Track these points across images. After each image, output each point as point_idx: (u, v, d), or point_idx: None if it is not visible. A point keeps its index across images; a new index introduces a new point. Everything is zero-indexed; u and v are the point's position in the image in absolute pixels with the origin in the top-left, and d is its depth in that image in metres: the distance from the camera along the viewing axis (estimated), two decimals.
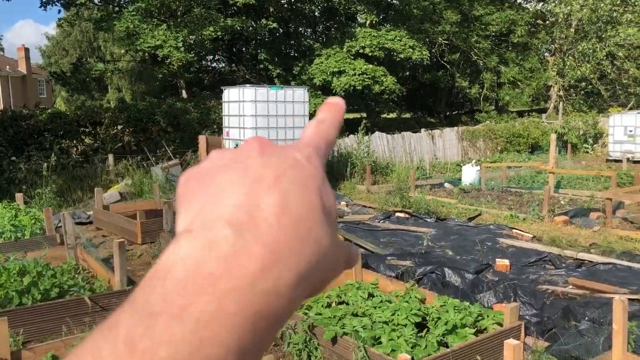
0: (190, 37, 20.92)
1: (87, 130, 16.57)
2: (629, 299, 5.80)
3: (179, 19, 20.48)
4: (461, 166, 17.29)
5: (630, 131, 20.19)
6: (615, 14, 28.37)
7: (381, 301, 5.27)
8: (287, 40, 26.50)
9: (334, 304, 5.49)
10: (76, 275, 6.48)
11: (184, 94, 23.07)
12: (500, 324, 4.63)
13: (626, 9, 28.31)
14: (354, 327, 4.58)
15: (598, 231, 9.47)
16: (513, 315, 4.46)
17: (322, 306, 5.33)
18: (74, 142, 15.93)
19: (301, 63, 23.80)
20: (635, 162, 19.66)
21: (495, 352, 4.22)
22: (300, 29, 28.38)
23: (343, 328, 4.55)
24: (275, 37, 26.05)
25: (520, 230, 9.31)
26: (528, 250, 7.97)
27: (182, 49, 19.01)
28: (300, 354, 4.67)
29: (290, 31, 27.06)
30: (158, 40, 18.91)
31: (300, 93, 13.74)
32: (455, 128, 22.75)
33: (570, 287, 6.48)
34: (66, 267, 6.58)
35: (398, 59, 23.45)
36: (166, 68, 21.28)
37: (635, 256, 7.62)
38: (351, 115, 31.17)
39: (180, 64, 20.00)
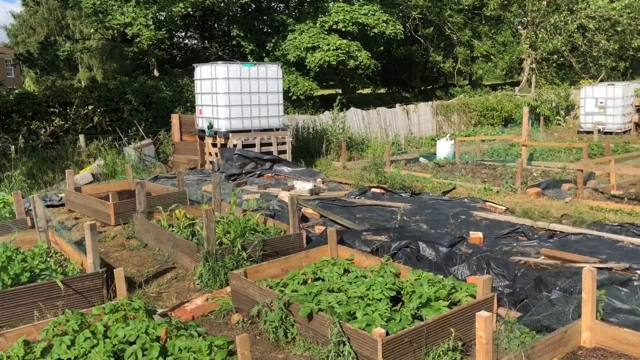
0: (160, 13, 20.46)
1: (56, 110, 16.19)
2: (598, 268, 5.93)
3: None
4: (436, 140, 17.39)
5: (601, 103, 20.48)
6: None
7: (356, 276, 5.30)
8: (260, 15, 26.10)
9: (309, 281, 5.50)
10: (48, 259, 6.38)
11: (156, 72, 22.65)
12: (474, 296, 4.69)
13: None
14: (329, 303, 4.59)
15: (569, 202, 9.64)
16: (486, 287, 4.52)
17: (298, 283, 5.34)
18: (43, 123, 15.56)
19: (274, 39, 23.50)
20: (605, 133, 19.99)
21: (469, 324, 4.29)
22: (273, 4, 27.98)
23: (319, 304, 4.57)
24: (248, 12, 25.65)
25: (494, 203, 9.41)
26: (501, 223, 8.07)
27: (152, 27, 18.59)
28: (276, 331, 4.68)
29: (263, 6, 26.65)
30: (127, 17, 18.45)
31: (273, 70, 13.58)
32: (430, 103, 22.81)
33: (542, 257, 6.59)
34: (37, 251, 6.47)
35: (372, 34, 23.31)
36: (136, 47, 20.82)
37: (605, 226, 7.77)
38: (326, 92, 31.02)
39: (150, 42, 19.58)
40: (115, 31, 21.29)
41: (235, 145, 12.89)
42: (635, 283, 5.47)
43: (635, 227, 7.58)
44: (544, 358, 3.69)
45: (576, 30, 29.25)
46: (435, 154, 15.98)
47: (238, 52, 24.85)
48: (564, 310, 4.50)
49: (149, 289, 6.10)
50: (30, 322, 4.79)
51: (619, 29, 28.75)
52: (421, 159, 15.77)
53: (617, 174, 10.95)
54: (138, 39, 19.06)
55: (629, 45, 29.37)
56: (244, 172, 12.32)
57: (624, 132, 20.46)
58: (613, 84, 20.98)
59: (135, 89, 17.37)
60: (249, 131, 13.25)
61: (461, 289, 4.88)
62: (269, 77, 13.44)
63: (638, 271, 5.96)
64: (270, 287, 5.25)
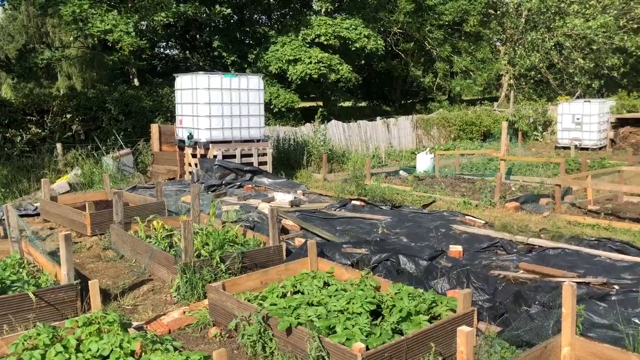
0: (142, 22, 20.30)
1: (34, 118, 15.92)
2: (577, 283, 5.96)
3: (129, 4, 19.85)
4: (416, 154, 17.49)
5: (578, 119, 20.82)
6: (562, 5, 29.15)
7: (336, 290, 5.25)
8: (242, 27, 26.07)
9: (289, 294, 5.43)
10: (20, 270, 6.21)
11: (136, 82, 22.43)
12: (454, 310, 4.67)
13: (573, 0, 29.13)
14: (308, 316, 4.53)
15: (547, 216, 9.73)
16: (466, 302, 4.50)
17: (277, 296, 5.27)
18: (20, 131, 15.28)
19: (256, 50, 23.46)
20: (582, 149, 20.32)
21: (449, 339, 4.26)
22: (255, 15, 27.97)
23: (298, 318, 4.50)
24: (230, 23, 25.59)
25: (473, 217, 9.45)
26: (480, 236, 8.10)
27: (132, 33, 18.42)
28: (254, 346, 4.60)
29: (245, 18, 26.63)
30: (108, 24, 18.27)
31: (255, 81, 13.55)
32: (410, 116, 22.98)
33: (521, 272, 6.62)
34: (9, 262, 6.30)
35: (353, 48, 23.42)
36: (117, 54, 20.62)
37: (582, 240, 7.83)
38: (307, 104, 31.06)
39: (132, 49, 19.39)
40: (95, 39, 21.05)
41: (215, 156, 12.80)
42: (613, 298, 5.51)
43: (612, 242, 7.66)
44: None
45: (553, 47, 29.81)
46: (415, 167, 16.07)
47: (219, 63, 24.77)
48: (544, 325, 4.50)
49: (125, 302, 5.97)
50: (0, 336, 4.64)
51: (594, 48, 29.37)
52: (401, 172, 15.84)
53: (594, 189, 11.10)
54: (119, 44, 18.88)
55: (603, 64, 30.00)
56: (223, 183, 12.23)
57: (600, 148, 20.82)
58: (589, 101, 21.37)
59: (115, 98, 17.18)
60: (229, 142, 13.17)
61: (441, 303, 4.86)
62: (250, 88, 13.40)
63: (616, 286, 6.01)
64: (249, 300, 5.17)
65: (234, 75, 13.47)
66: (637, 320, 4.53)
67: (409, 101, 34.78)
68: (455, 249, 7.35)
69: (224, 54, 23.66)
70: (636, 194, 11.16)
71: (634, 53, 29.94)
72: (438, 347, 4.18)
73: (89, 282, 4.94)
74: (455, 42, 29.62)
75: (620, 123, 21.57)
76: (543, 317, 4.67)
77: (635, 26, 29.42)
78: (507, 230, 8.51)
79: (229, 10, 22.07)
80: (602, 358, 3.80)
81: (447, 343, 4.27)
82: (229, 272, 6.26)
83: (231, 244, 6.95)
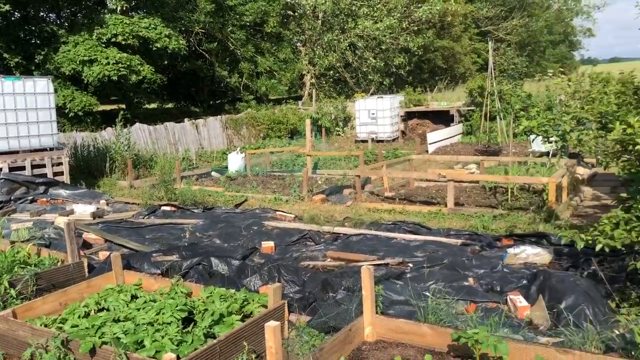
0: None
1: None
2: (377, 265, 6.45)
3: None
4: (227, 154, 17.47)
5: (373, 114, 22.57)
6: (354, 8, 31.39)
7: (145, 302, 5.01)
8: (27, 25, 23.58)
9: (92, 313, 5.05)
10: None
11: None
12: (266, 306, 4.74)
13: (362, 3, 31.52)
14: (114, 334, 4.25)
15: (350, 206, 10.39)
16: (276, 296, 4.59)
17: (79, 317, 4.86)
18: None
19: (44, 51, 21.38)
20: (378, 141, 22.07)
21: (261, 335, 4.27)
22: (42, 13, 25.49)
23: (102, 337, 4.20)
24: (11, 21, 22.99)
25: (284, 212, 9.73)
26: (291, 230, 8.36)
27: None
28: None
29: (30, 15, 24.12)
30: None
31: (43, 84, 12.36)
32: (219, 117, 22.88)
33: (329, 260, 6.97)
34: None
35: (154, 48, 22.57)
36: None
37: (381, 225, 8.51)
38: (109, 107, 29.28)
39: None
40: None
41: (0, 169, 11.42)
42: (408, 275, 6.07)
43: (406, 224, 8.44)
44: (332, 358, 3.85)
45: (348, 48, 31.96)
46: (227, 167, 16.04)
47: (1, 65, 22.14)
48: (349, 308, 4.78)
49: None
50: None
51: (383, 48, 32.11)
52: (213, 173, 15.71)
53: (389, 177, 12.13)
54: None
55: (392, 62, 32.98)
56: (12, 198, 10.96)
57: (394, 140, 22.82)
58: (382, 97, 23.29)
59: None
60: (16, 152, 11.85)
61: (253, 300, 4.90)
62: (37, 92, 12.19)
63: (410, 264, 6.62)
64: (46, 325, 4.70)
65: (18, 78, 12.15)
66: (427, 293, 5.02)
67: (217, 102, 34.58)
68: (267, 245, 7.49)
69: (6, 55, 21.18)
70: (424, 179, 12.45)
71: (416, 52, 33.36)
72: (251, 345, 4.20)
73: None
74: (258, 43, 30.15)
75: (408, 116, 23.86)
76: (348, 301, 4.96)
77: (416, 28, 32.79)
78: (315, 222, 8.91)
79: (7, 7, 19.78)
80: (399, 332, 4.15)
81: (259, 340, 4.31)
82: (22, 297, 5.62)
83: (22, 265, 6.25)
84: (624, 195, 5.31)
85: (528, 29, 45.12)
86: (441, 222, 8.99)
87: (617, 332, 4.26)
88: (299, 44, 34.03)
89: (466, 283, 5.72)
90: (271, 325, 3.23)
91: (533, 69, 42.17)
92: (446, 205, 9.72)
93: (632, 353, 3.85)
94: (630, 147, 4.85)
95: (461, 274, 5.96)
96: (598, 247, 4.61)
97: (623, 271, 5.55)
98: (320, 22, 31.77)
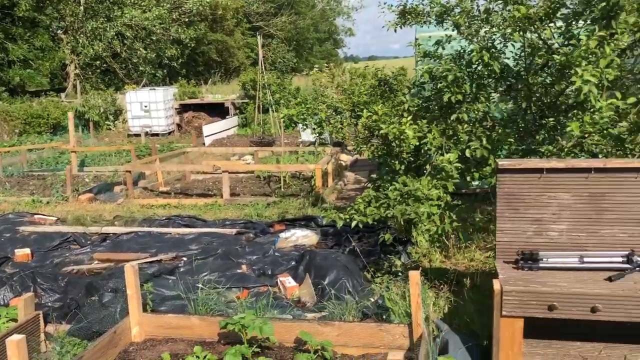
0: None
1: None
2: (148, 262, 6.20)
3: None
4: None
5: (146, 106, 21.68)
6: None
7: None
8: None
9: None
10: None
11: None
12: (17, 320, 4.21)
13: None
14: None
15: (122, 203, 9.83)
16: (28, 307, 4.10)
17: None
18: None
19: None
20: (153, 135, 21.27)
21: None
22: None
23: None
24: None
25: (44, 215, 8.82)
26: (52, 234, 7.60)
27: None
28: None
29: None
30: None
31: None
32: None
33: (96, 262, 6.49)
34: None
35: None
36: None
37: (154, 221, 8.20)
38: None
39: None
40: None
41: None
42: (182, 269, 5.96)
43: (181, 218, 8.27)
44: None
45: (115, 37, 30.11)
46: None
47: None
48: (116, 310, 4.49)
49: None
50: None
51: (154, 38, 30.97)
52: None
53: (164, 171, 11.76)
54: None
55: (164, 54, 32.01)
56: None
57: (169, 133, 22.22)
58: (155, 89, 22.49)
59: None
60: None
61: (2, 315, 4.32)
62: None
63: (184, 258, 6.50)
64: None
65: None
66: (199, 285, 4.96)
67: None
68: (22, 253, 6.72)
69: None
70: (200, 171, 12.34)
71: (189, 45, 32.86)
72: None
73: None
74: (7, 28, 26.79)
75: (183, 109, 23.40)
76: (116, 303, 4.67)
77: (187, 20, 32.27)
78: (80, 223, 8.24)
79: None
80: (169, 327, 4.03)
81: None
82: None
83: None
84: (374, 176, 5.90)
85: (296, 26, 47.46)
86: (217, 213, 9.00)
87: (372, 300, 4.71)
88: (59, 31, 31.02)
89: (239, 270, 5.81)
90: (14, 339, 2.86)
91: (302, 64, 44.54)
92: (222, 197, 9.76)
93: (383, 317, 4.29)
94: (377, 132, 5.38)
95: (234, 262, 6.03)
96: (353, 224, 5.04)
97: (377, 245, 6.16)
98: (82, 8, 29.38)
